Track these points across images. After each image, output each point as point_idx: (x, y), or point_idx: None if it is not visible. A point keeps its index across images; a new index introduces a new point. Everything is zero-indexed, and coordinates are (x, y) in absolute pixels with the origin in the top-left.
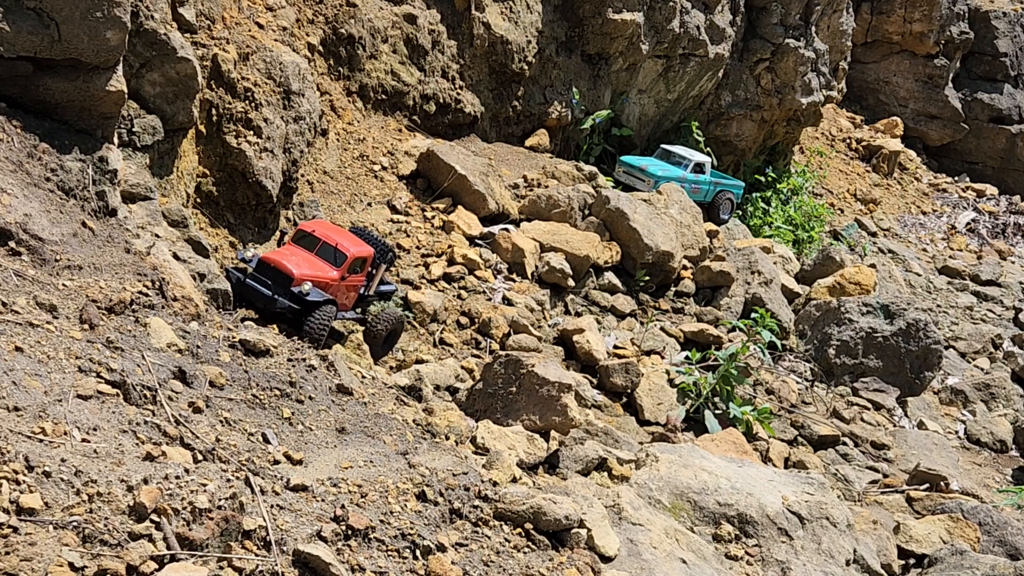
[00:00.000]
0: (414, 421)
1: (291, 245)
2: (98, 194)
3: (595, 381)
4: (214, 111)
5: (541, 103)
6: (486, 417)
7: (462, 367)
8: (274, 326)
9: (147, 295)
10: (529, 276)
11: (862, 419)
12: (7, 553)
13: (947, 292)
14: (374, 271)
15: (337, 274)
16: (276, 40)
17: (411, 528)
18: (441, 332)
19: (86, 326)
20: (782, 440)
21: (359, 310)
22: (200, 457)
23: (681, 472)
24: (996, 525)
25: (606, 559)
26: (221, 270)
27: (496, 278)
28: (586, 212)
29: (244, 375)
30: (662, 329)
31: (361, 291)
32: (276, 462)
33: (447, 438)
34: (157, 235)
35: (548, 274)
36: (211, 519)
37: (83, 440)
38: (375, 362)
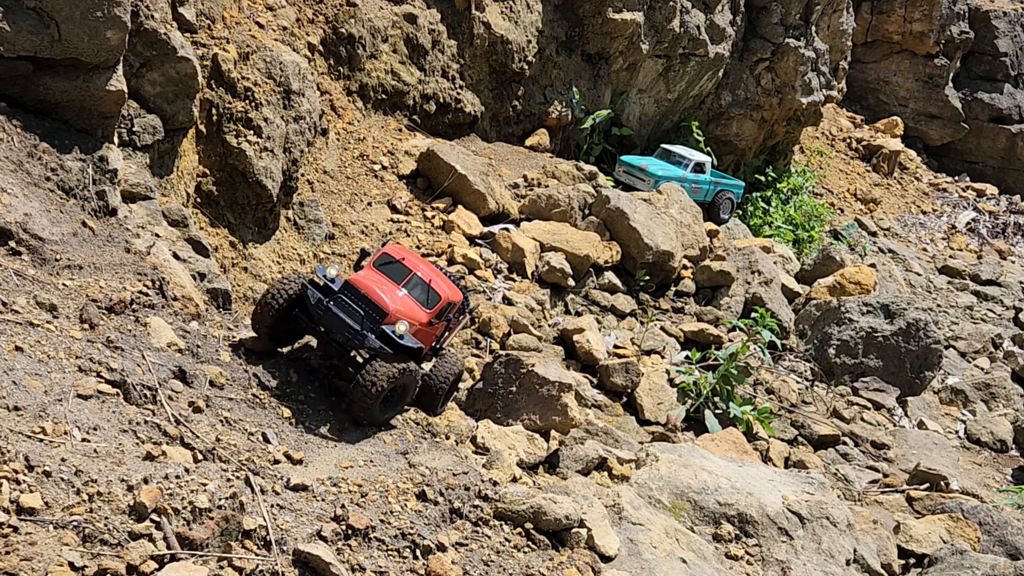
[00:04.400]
0: (414, 421)
1: (373, 271)
2: (98, 194)
3: (595, 381)
4: (214, 111)
5: (541, 103)
6: (486, 417)
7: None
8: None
9: (147, 295)
10: (529, 276)
11: (862, 419)
12: (7, 553)
13: (947, 292)
14: (453, 321)
15: (426, 317)
16: (276, 40)
17: (411, 528)
18: None
19: (86, 326)
20: (782, 440)
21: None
22: (200, 457)
23: (681, 472)
24: (996, 525)
25: (606, 559)
26: (296, 284)
27: (496, 278)
28: (586, 212)
29: (244, 375)
30: (662, 329)
31: (437, 341)
32: (276, 462)
33: (447, 438)
34: (157, 235)
35: (548, 274)
36: (211, 519)
37: (83, 440)
38: (432, 416)
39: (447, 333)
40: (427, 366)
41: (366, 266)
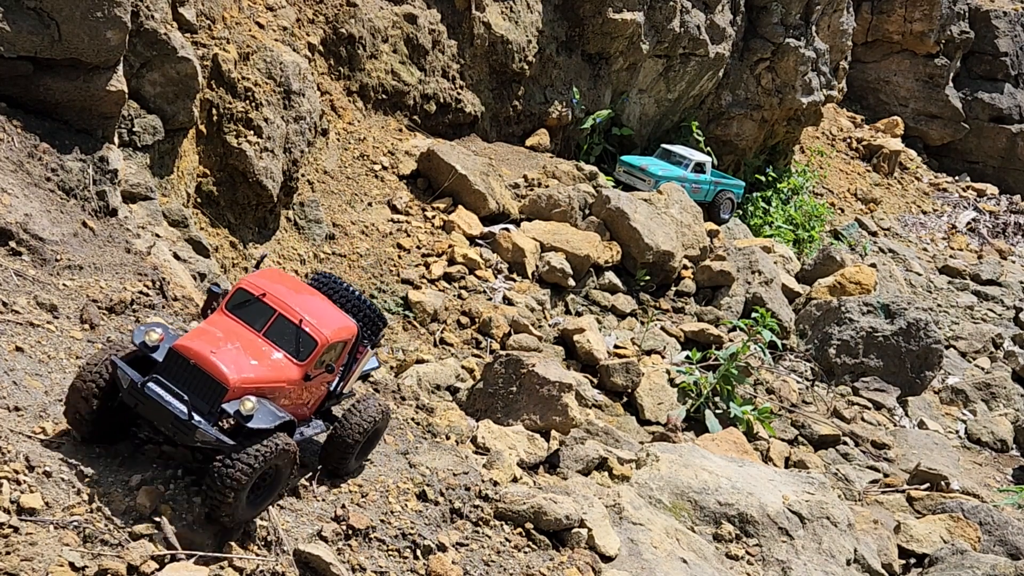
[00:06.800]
0: (414, 421)
1: (225, 317)
2: (98, 194)
3: (595, 381)
4: (214, 111)
5: (541, 103)
6: (487, 417)
7: (462, 367)
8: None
9: (147, 295)
10: (529, 276)
11: (862, 419)
12: (8, 553)
13: (947, 292)
14: (357, 355)
15: (299, 372)
16: (276, 40)
17: (412, 528)
18: (441, 332)
19: (87, 326)
20: (783, 440)
21: (327, 410)
22: (200, 456)
23: (682, 472)
24: (997, 525)
25: (607, 559)
26: (105, 361)
27: (496, 278)
28: (586, 212)
29: None
30: (662, 329)
31: (332, 387)
32: None
33: (448, 438)
34: (157, 235)
35: (548, 274)
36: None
37: (83, 440)
38: (343, 477)
39: (349, 373)
40: (340, 409)
41: (218, 310)
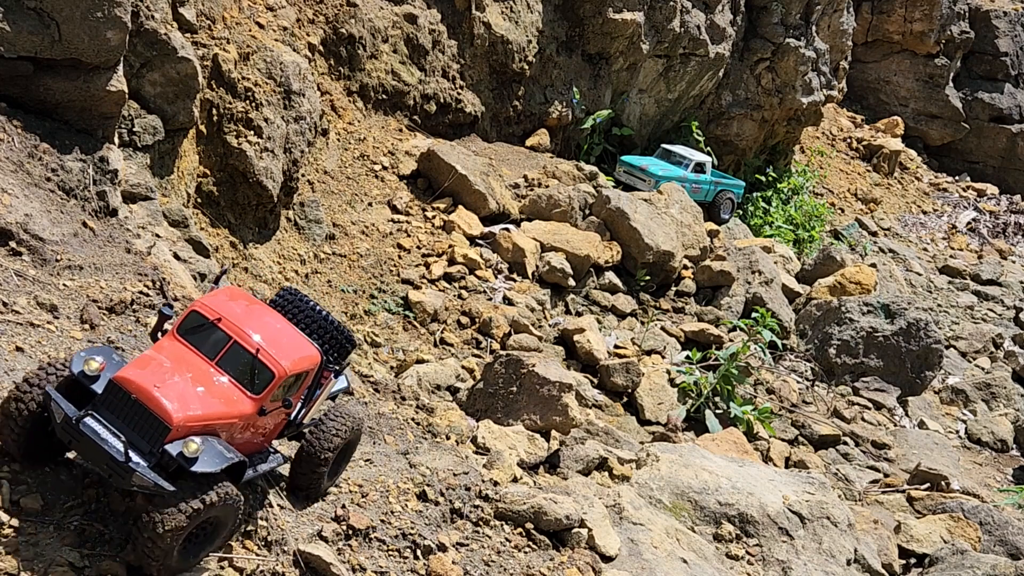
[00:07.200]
0: (415, 421)
1: (176, 342)
2: (99, 194)
3: (596, 381)
4: (215, 111)
5: (541, 103)
6: (487, 417)
7: (463, 367)
8: None
9: (148, 295)
10: (530, 276)
11: (863, 419)
12: (8, 553)
13: (948, 291)
14: (322, 381)
15: (252, 407)
16: (276, 40)
17: (412, 528)
18: (442, 332)
19: (87, 326)
20: (783, 440)
21: (287, 436)
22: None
23: (682, 472)
24: (997, 525)
25: (607, 559)
26: (39, 387)
27: (497, 278)
28: (587, 212)
29: None
30: (663, 329)
31: (292, 416)
32: None
33: (448, 438)
34: (158, 235)
35: (549, 274)
36: None
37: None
38: (314, 498)
39: (310, 403)
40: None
41: (168, 334)
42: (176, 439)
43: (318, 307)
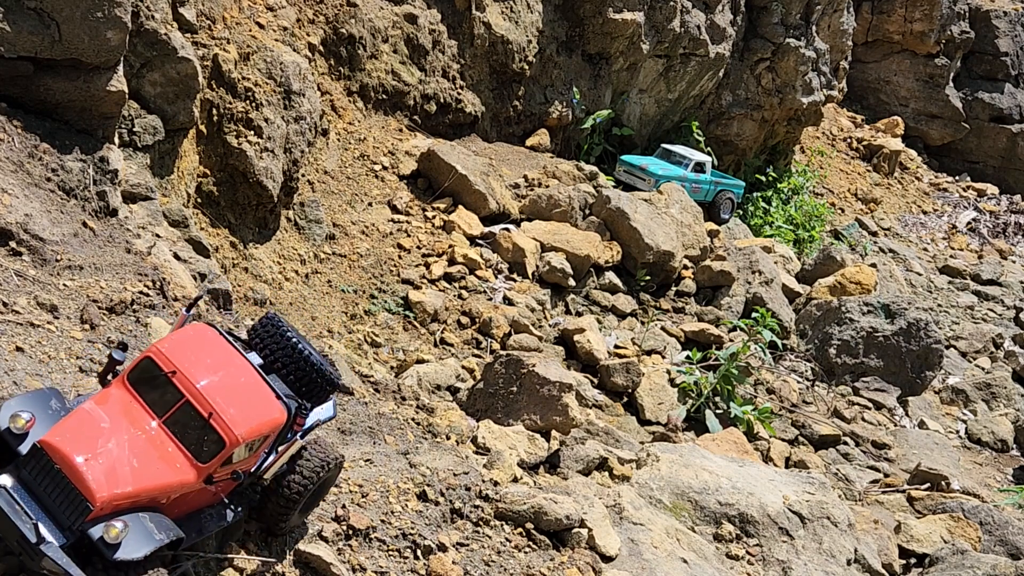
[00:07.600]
0: (415, 421)
1: (122, 391)
2: (99, 194)
3: (596, 381)
4: (215, 111)
5: (542, 103)
6: (487, 417)
7: (463, 367)
8: None
9: (148, 295)
10: (530, 276)
11: (863, 419)
12: None
13: (948, 291)
14: (294, 428)
15: (196, 476)
16: (277, 40)
17: (412, 528)
18: (442, 332)
19: (87, 326)
20: (783, 440)
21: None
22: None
23: (682, 472)
24: (997, 525)
25: (607, 559)
26: None
27: (497, 278)
28: (587, 212)
29: None
30: (663, 329)
31: (254, 467)
32: None
33: (448, 438)
34: (158, 235)
35: (549, 274)
36: None
37: None
38: (278, 533)
39: (271, 459)
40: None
41: (117, 380)
42: (101, 516)
43: (300, 344)
